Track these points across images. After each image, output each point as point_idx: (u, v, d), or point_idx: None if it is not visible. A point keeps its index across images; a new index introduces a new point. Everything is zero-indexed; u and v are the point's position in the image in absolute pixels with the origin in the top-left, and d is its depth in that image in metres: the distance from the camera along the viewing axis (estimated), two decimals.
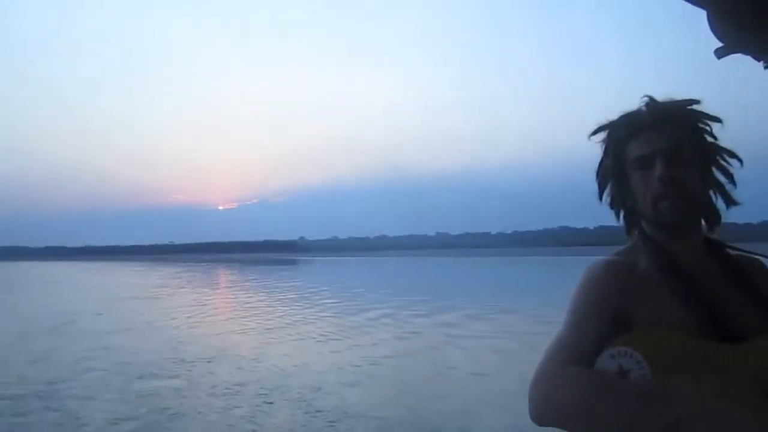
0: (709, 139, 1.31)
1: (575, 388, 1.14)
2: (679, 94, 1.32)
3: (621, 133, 1.33)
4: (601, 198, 1.38)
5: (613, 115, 1.35)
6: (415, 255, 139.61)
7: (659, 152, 1.26)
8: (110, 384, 10.49)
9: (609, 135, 1.35)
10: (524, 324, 17.22)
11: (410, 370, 11.43)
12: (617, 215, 1.38)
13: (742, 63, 1.57)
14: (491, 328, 16.66)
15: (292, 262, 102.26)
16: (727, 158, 1.32)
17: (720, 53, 1.56)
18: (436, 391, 9.70)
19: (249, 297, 30.59)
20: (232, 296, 32.05)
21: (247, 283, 43.90)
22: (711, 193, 1.32)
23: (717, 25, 1.52)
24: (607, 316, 1.22)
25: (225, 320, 20.17)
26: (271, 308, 23.89)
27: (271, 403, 9.03)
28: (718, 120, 1.31)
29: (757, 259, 1.37)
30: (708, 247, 1.33)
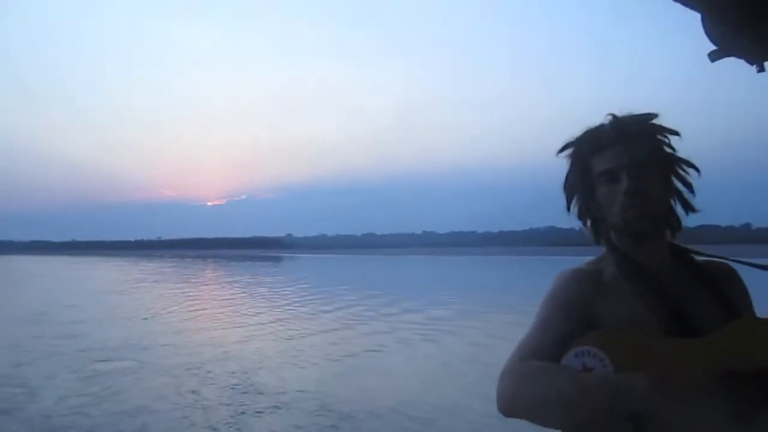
0: (669, 150, 1.37)
1: (539, 381, 1.19)
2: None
3: (585, 148, 1.38)
4: (568, 209, 1.44)
5: (578, 130, 1.41)
6: (401, 254, 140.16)
7: (624, 167, 1.32)
8: (70, 366, 11.73)
9: (574, 151, 1.41)
10: (457, 318, 18.75)
11: (326, 350, 13.15)
12: (584, 225, 1.44)
13: (735, 67, 1.57)
14: (422, 320, 18.25)
15: (276, 259, 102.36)
16: (686, 168, 1.39)
17: (714, 56, 1.57)
18: (335, 366, 11.12)
19: (221, 291, 31.65)
20: (205, 290, 32.71)
21: (223, 279, 44.48)
22: (672, 201, 1.39)
23: (711, 29, 1.53)
24: (573, 319, 1.28)
25: (190, 312, 21.30)
26: (239, 302, 25.06)
27: (212, 383, 10.35)
28: (676, 133, 1.37)
29: (723, 263, 1.42)
30: (673, 252, 1.39)
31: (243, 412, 8.58)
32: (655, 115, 1.37)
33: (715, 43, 1.56)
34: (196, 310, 22.09)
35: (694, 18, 1.51)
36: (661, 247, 1.37)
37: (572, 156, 1.41)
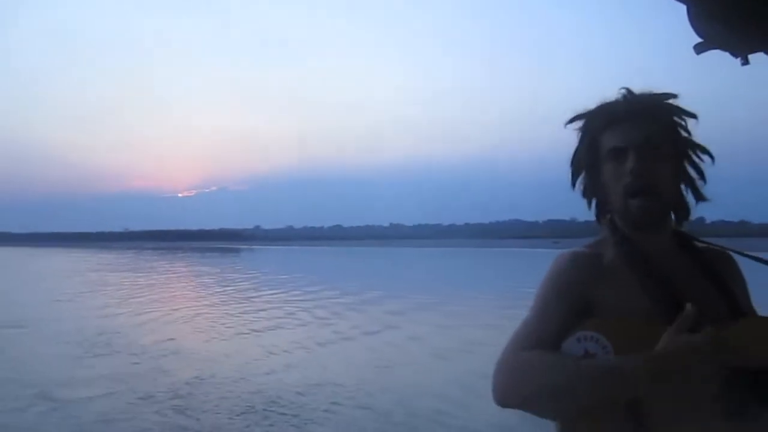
0: (684, 134, 1.31)
1: (536, 370, 1.16)
2: (658, 87, 1.31)
3: (596, 123, 1.31)
4: (573, 186, 1.38)
5: (589, 104, 1.34)
6: (367, 245, 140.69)
7: (633, 145, 1.25)
8: None
9: (585, 124, 1.34)
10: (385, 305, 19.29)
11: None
12: (589, 204, 1.38)
13: (721, 59, 1.54)
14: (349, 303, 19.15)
15: (237, 251, 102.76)
16: (700, 154, 1.32)
17: (699, 49, 1.54)
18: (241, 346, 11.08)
19: (169, 281, 31.55)
20: (154, 281, 32.56)
21: (179, 270, 44.54)
22: (682, 187, 1.32)
23: (697, 21, 1.50)
24: (572, 305, 1.24)
25: (125, 299, 21.58)
26: (180, 292, 25.32)
27: (105, 355, 11.67)
28: (693, 116, 1.30)
29: (726, 253, 1.37)
30: (676, 239, 1.34)
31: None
32: (673, 95, 1.30)
33: (700, 36, 1.52)
34: (136, 297, 22.32)
35: (680, 9, 1.49)
36: (664, 233, 1.32)
37: (582, 129, 1.34)
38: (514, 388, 1.18)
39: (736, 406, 1.18)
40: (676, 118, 1.30)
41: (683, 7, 1.50)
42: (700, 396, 1.15)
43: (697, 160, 1.32)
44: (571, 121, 1.35)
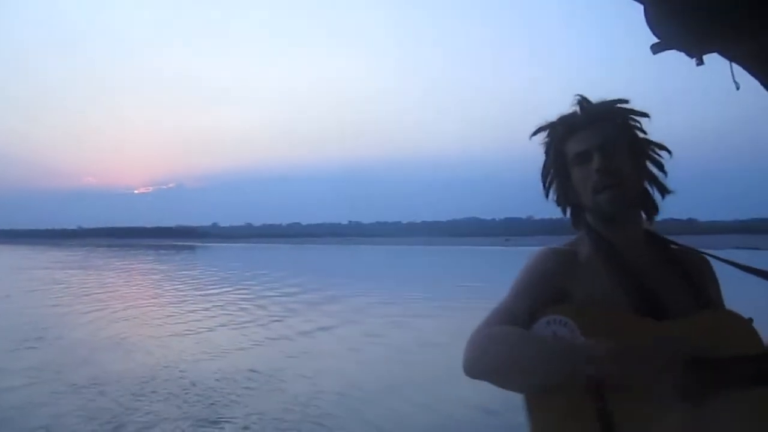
0: (640, 133, 1.39)
1: (505, 344, 1.23)
2: (616, 87, 1.37)
3: (559, 133, 1.40)
4: (547, 196, 1.45)
5: (549, 117, 1.42)
6: (326, 243, 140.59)
7: (595, 147, 1.34)
8: None
9: (548, 136, 1.43)
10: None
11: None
12: (564, 211, 1.45)
13: (676, 59, 1.59)
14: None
15: (194, 249, 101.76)
16: (658, 150, 1.40)
17: (656, 48, 1.59)
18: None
19: (116, 279, 31.43)
20: (101, 278, 32.37)
21: (128, 267, 44.18)
22: (647, 185, 1.39)
23: (653, 21, 1.54)
24: (545, 292, 1.30)
25: (68, 297, 21.84)
26: (125, 290, 25.47)
27: (35, 348, 12.28)
28: (645, 115, 1.39)
29: (699, 254, 1.43)
30: (648, 238, 1.41)
31: None
32: (624, 100, 1.40)
33: (657, 36, 1.57)
34: (66, 296, 22.37)
35: (637, 10, 1.52)
36: (635, 231, 1.39)
37: (547, 141, 1.43)
38: (481, 359, 1.24)
39: (696, 394, 1.20)
40: (630, 120, 1.39)
41: (640, 7, 1.51)
42: (661, 384, 1.18)
43: (655, 156, 1.40)
44: (535, 133, 1.44)
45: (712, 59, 1.69)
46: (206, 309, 17.84)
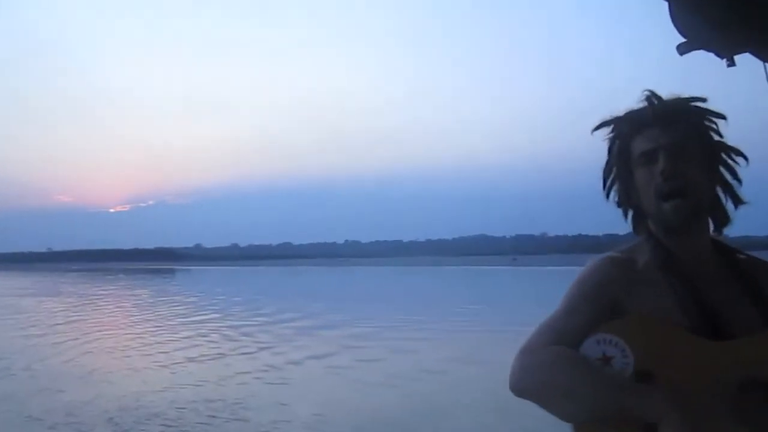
0: (715, 136, 1.37)
1: (555, 365, 1.25)
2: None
3: (625, 129, 1.39)
4: (607, 197, 1.45)
5: (615, 112, 1.42)
6: (320, 264, 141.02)
7: (662, 147, 1.32)
8: None
9: (613, 131, 1.42)
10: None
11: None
12: (625, 214, 1.44)
13: (705, 60, 1.56)
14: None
15: (174, 273, 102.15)
16: (734, 156, 1.38)
17: (682, 49, 1.57)
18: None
19: (84, 307, 31.79)
20: (69, 306, 32.66)
21: (100, 294, 44.45)
22: (719, 192, 1.38)
23: (679, 20, 1.52)
24: (600, 306, 1.31)
25: (33, 326, 22.09)
26: (92, 318, 25.73)
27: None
28: (722, 116, 1.37)
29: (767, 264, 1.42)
30: (716, 249, 1.39)
31: None
32: (701, 99, 1.38)
33: (683, 35, 1.54)
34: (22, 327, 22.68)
35: (661, 6, 1.49)
36: (702, 241, 1.37)
37: (611, 137, 1.42)
38: (528, 378, 1.27)
39: (754, 420, 1.22)
40: (705, 121, 1.37)
41: (665, 5, 1.50)
42: (716, 410, 1.21)
43: (730, 162, 1.37)
44: (598, 127, 1.43)
45: (745, 60, 1.66)
46: (175, 341, 18.00)
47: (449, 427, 8.87)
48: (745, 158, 1.38)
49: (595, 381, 1.21)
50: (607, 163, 1.44)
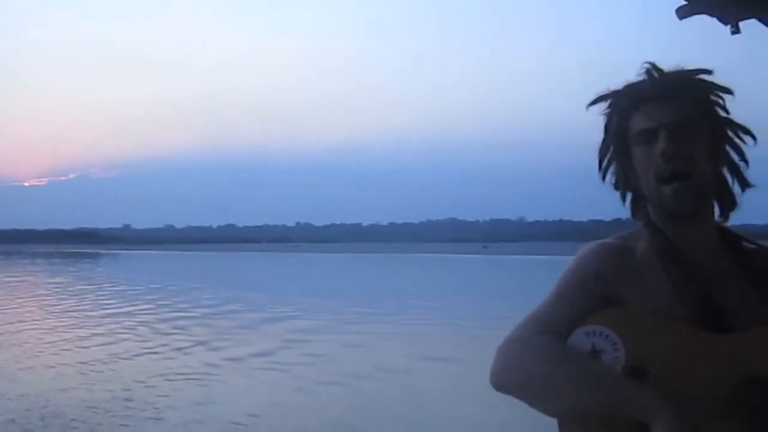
0: (721, 113, 1.39)
1: (540, 357, 1.29)
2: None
3: (623, 104, 1.41)
4: (603, 178, 1.48)
5: (614, 84, 1.43)
6: (266, 250, 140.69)
7: (664, 125, 1.34)
8: None
9: (610, 106, 1.43)
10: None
11: None
12: (623, 197, 1.47)
13: (706, 26, 1.56)
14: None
15: (98, 257, 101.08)
16: (741, 135, 1.40)
17: (682, 13, 1.58)
18: None
19: None
20: None
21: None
22: (725, 173, 1.41)
23: None
24: (593, 296, 1.35)
25: None
26: None
27: None
28: (729, 91, 1.40)
29: None
30: (721, 236, 1.42)
31: None
32: (707, 71, 1.39)
33: None
34: None
35: None
36: (704, 228, 1.40)
37: (608, 113, 1.44)
38: (510, 372, 1.30)
39: (752, 416, 1.27)
40: (711, 96, 1.39)
41: None
42: (713, 408, 1.26)
43: (738, 141, 1.39)
44: (594, 102, 1.44)
45: (750, 27, 1.64)
46: (97, 335, 18.01)
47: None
48: (753, 137, 1.40)
49: (583, 375, 1.26)
50: (603, 141, 1.45)
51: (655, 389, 1.23)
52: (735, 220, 1.46)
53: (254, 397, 10.69)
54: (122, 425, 9.22)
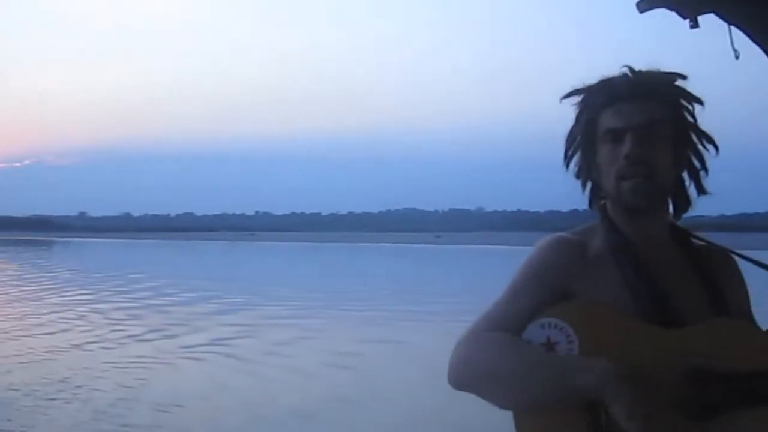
0: (689, 119, 1.44)
1: (493, 353, 1.32)
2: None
3: (596, 100, 1.44)
4: (567, 166, 1.51)
5: (590, 79, 1.46)
6: (225, 239, 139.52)
7: (632, 127, 1.37)
8: None
9: (583, 100, 1.46)
10: None
11: None
12: (583, 187, 1.51)
13: (666, 20, 1.59)
14: None
15: (51, 245, 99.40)
16: (705, 142, 1.45)
17: (643, 6, 1.60)
18: None
19: None
20: None
21: None
22: (684, 177, 1.46)
23: None
24: (546, 290, 1.39)
25: None
26: None
27: None
28: (700, 101, 1.44)
29: (726, 253, 1.51)
30: (673, 234, 1.48)
31: None
32: (681, 76, 1.43)
33: None
34: None
35: None
36: (658, 224, 1.45)
37: (580, 106, 1.47)
38: (466, 369, 1.35)
39: (700, 411, 1.31)
40: (682, 101, 1.43)
41: None
42: (664, 399, 1.30)
43: (701, 147, 1.44)
44: (569, 95, 1.49)
45: (709, 21, 1.68)
46: (42, 324, 17.89)
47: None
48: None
49: (538, 365, 1.30)
50: (572, 131, 1.50)
51: (608, 362, 1.28)
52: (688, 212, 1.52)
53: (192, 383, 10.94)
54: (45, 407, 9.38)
